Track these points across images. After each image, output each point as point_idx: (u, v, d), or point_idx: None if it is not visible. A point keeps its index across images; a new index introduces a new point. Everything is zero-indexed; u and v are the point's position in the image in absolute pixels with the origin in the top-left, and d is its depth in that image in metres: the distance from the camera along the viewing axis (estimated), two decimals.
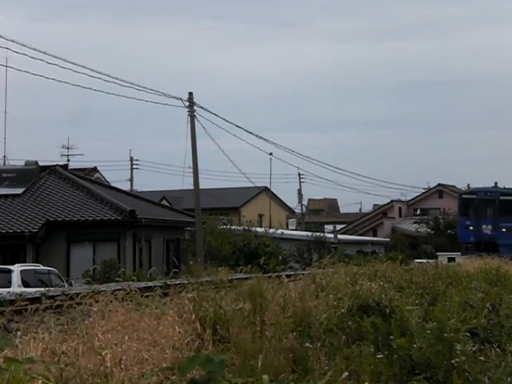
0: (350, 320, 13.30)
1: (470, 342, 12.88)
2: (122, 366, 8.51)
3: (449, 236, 64.78)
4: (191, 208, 44.67)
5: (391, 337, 12.74)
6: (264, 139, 50.00)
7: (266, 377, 5.71)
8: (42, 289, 19.67)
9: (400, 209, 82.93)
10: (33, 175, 42.14)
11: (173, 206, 54.99)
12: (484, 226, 50.93)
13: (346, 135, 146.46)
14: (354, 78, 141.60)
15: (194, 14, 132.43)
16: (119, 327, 9.88)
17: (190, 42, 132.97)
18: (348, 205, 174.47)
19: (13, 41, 31.19)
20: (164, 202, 58.70)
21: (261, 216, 72.60)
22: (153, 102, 42.54)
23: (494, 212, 51.01)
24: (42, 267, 29.88)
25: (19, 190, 40.71)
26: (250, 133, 48.04)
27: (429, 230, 70.82)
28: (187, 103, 41.58)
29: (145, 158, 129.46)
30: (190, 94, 41.98)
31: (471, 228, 51.25)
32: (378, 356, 11.91)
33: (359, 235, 75.59)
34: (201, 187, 44.63)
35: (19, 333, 9.37)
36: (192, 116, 41.66)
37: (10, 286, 25.41)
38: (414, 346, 12.49)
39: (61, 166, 45.23)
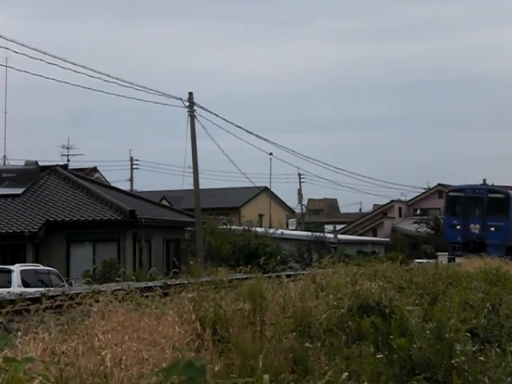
0: (350, 320, 13.30)
1: (469, 342, 12.88)
2: (122, 366, 8.51)
3: None
4: (191, 208, 44.67)
5: (391, 337, 12.74)
6: (264, 139, 50.07)
7: (266, 377, 5.72)
8: (42, 289, 19.66)
9: (400, 209, 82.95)
10: (33, 175, 42.14)
11: (173, 205, 55.00)
12: (472, 225, 48.75)
13: (346, 135, 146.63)
14: (354, 78, 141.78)
15: (193, 14, 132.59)
16: (119, 327, 9.87)
17: (190, 42, 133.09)
18: (348, 205, 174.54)
19: (13, 41, 31.24)
20: (164, 202, 58.70)
21: (261, 216, 72.60)
22: (153, 102, 42.58)
23: (482, 210, 48.90)
24: (42, 267, 29.88)
25: (19, 190, 40.72)
26: (250, 133, 48.11)
27: (429, 230, 70.80)
28: (187, 103, 41.58)
29: (145, 158, 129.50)
30: (190, 93, 42.00)
31: (458, 227, 49.15)
32: (378, 356, 11.91)
33: (359, 235, 75.60)
34: (201, 187, 44.65)
35: (19, 333, 9.37)
36: (192, 116, 41.66)
37: (10, 286, 25.41)
38: (414, 346, 12.49)
39: (61, 166, 45.24)
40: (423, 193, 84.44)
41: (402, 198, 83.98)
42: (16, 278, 26.91)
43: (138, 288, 12.75)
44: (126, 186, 67.80)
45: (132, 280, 19.01)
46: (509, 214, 48.60)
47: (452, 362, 11.87)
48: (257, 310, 11.51)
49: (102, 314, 10.36)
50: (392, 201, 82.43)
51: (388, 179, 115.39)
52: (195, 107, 41.73)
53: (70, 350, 8.69)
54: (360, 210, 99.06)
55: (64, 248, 38.28)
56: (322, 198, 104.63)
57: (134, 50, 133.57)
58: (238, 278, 15.09)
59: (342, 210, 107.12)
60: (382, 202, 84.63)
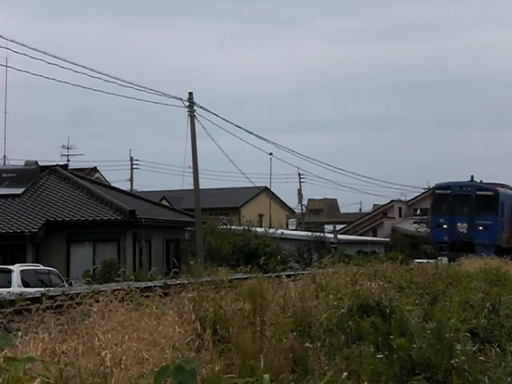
0: (350, 320, 13.31)
1: (469, 341, 12.88)
2: (122, 365, 8.51)
3: None
4: (191, 208, 44.67)
5: (391, 337, 12.74)
6: (264, 139, 49.99)
7: (266, 377, 5.71)
8: (42, 289, 19.66)
9: (400, 209, 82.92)
10: (33, 175, 42.14)
11: (173, 206, 54.99)
12: (459, 224, 46.20)
13: (346, 135, 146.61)
14: (354, 78, 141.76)
15: (193, 14, 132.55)
16: (119, 327, 9.88)
17: (190, 42, 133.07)
18: (348, 205, 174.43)
19: (13, 41, 31.21)
20: (164, 202, 58.70)
21: (261, 216, 72.60)
22: (153, 102, 42.47)
23: (470, 209, 46.31)
24: (41, 267, 29.88)
25: (19, 190, 40.71)
26: (250, 133, 48.01)
27: (429, 230, 70.75)
28: (187, 103, 41.57)
29: (145, 158, 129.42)
30: (190, 93, 42.00)
31: (445, 226, 46.51)
32: (378, 356, 11.92)
33: (359, 235, 75.59)
34: (201, 187, 44.64)
35: (19, 333, 9.37)
36: (192, 116, 41.66)
37: (9, 286, 25.41)
38: (414, 345, 12.50)
39: (61, 166, 45.23)
40: (423, 193, 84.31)
41: (402, 198, 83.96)
42: (16, 278, 26.92)
43: (137, 288, 12.75)
44: (126, 186, 67.82)
45: (132, 280, 19.00)
46: (498, 213, 46.61)
47: (452, 361, 11.88)
48: (257, 310, 11.51)
49: (101, 314, 10.36)
50: (392, 201, 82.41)
51: (388, 179, 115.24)
52: (195, 107, 41.74)
53: (70, 350, 8.69)
54: (360, 209, 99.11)
55: (64, 248, 38.27)
56: (322, 198, 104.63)
57: (134, 50, 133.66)
58: (238, 278, 15.10)
59: (342, 210, 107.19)
60: (382, 202, 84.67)
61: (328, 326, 12.61)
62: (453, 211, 46.43)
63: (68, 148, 68.62)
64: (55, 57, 32.87)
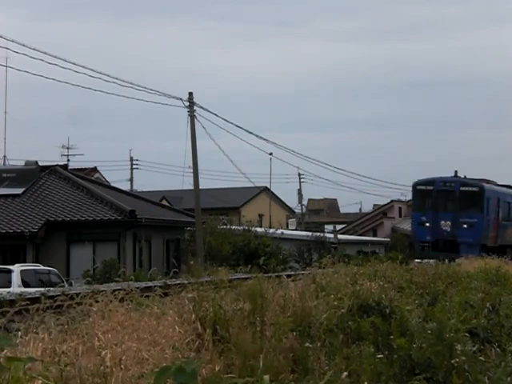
0: (350, 320, 13.31)
1: (469, 342, 12.89)
2: (122, 365, 8.51)
3: None
4: (191, 208, 44.67)
5: (391, 337, 12.75)
6: (264, 139, 49.96)
7: (266, 377, 5.70)
8: (42, 289, 19.66)
9: (400, 209, 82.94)
10: (33, 175, 42.15)
11: (173, 206, 55.01)
12: (442, 222, 43.35)
13: (346, 135, 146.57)
14: (354, 78, 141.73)
15: (194, 14, 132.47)
16: (119, 327, 9.88)
17: (190, 42, 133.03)
18: (348, 205, 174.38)
19: (13, 41, 31.19)
20: (164, 202, 58.71)
21: (261, 216, 72.62)
22: (153, 102, 42.43)
23: (453, 205, 43.43)
24: (42, 267, 29.88)
25: (19, 190, 40.72)
26: (250, 133, 47.98)
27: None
28: (187, 103, 41.58)
29: (145, 158, 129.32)
30: (190, 93, 42.00)
31: (427, 224, 43.63)
32: (378, 356, 11.92)
33: (359, 235, 75.61)
34: (201, 187, 44.64)
35: (19, 333, 9.37)
36: (192, 116, 41.66)
37: (10, 286, 25.41)
38: (414, 346, 12.50)
39: (61, 166, 45.24)
40: None
41: (402, 198, 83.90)
42: (16, 277, 26.92)
43: (137, 288, 12.75)
44: (126, 186, 67.80)
45: (132, 280, 18.99)
46: (483, 210, 44.07)
47: (452, 362, 11.88)
48: (257, 310, 11.51)
49: (101, 314, 10.36)
50: (392, 201, 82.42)
51: (388, 179, 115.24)
52: (195, 107, 41.74)
53: (70, 350, 8.69)
54: (360, 209, 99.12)
55: (64, 248, 38.28)
56: (322, 198, 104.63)
57: (134, 50, 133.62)
58: (238, 278, 15.10)
59: (342, 210, 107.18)
60: (382, 202, 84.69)
61: (328, 326, 12.61)
62: (435, 208, 43.79)
63: (68, 148, 68.65)
64: (55, 57, 32.89)
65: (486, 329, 15.15)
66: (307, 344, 11.37)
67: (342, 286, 15.42)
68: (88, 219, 38.56)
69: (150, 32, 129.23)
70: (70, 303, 11.41)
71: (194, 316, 10.95)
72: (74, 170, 50.13)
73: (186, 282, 14.34)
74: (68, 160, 65.02)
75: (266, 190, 75.48)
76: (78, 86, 37.66)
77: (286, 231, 58.91)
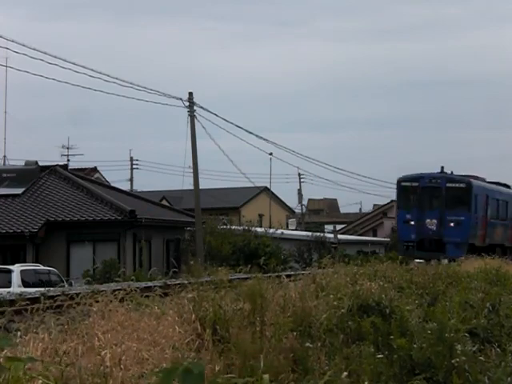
0: (350, 320, 13.31)
1: (469, 342, 12.89)
2: (122, 365, 8.51)
3: None
4: (191, 208, 44.68)
5: (391, 337, 12.74)
6: (264, 139, 49.95)
7: (266, 377, 5.71)
8: (42, 289, 19.66)
9: None
10: (33, 175, 42.15)
11: (173, 206, 55.02)
12: (428, 221, 40.93)
13: (346, 135, 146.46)
14: (354, 78, 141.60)
15: (194, 14, 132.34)
16: (119, 327, 9.88)
17: (190, 42, 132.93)
18: (348, 205, 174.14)
19: (13, 41, 31.22)
20: (164, 202, 58.72)
21: (261, 216, 72.64)
22: (153, 102, 42.38)
23: (439, 203, 41.04)
24: (41, 267, 29.89)
25: (19, 190, 40.72)
26: (250, 133, 47.96)
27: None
28: (187, 103, 41.58)
29: (145, 158, 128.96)
30: (190, 94, 42.00)
31: (412, 223, 41.08)
32: (378, 356, 11.92)
33: (359, 235, 75.63)
34: (201, 187, 44.65)
35: (19, 333, 9.37)
36: (192, 116, 41.67)
37: (10, 286, 25.41)
38: (414, 346, 12.50)
39: (61, 166, 45.24)
40: None
41: None
42: (16, 278, 26.92)
43: (137, 288, 12.75)
44: (126, 186, 67.77)
45: (132, 280, 18.99)
46: (471, 207, 41.69)
47: (452, 362, 11.88)
48: (257, 310, 11.51)
49: (101, 314, 10.37)
50: (392, 201, 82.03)
51: (388, 179, 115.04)
52: (195, 107, 41.75)
53: (70, 350, 8.69)
54: (360, 209, 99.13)
55: (64, 248, 38.28)
56: (322, 198, 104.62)
57: (134, 50, 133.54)
58: (238, 278, 15.10)
59: (342, 210, 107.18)
60: (382, 202, 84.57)
61: (328, 326, 12.61)
62: (421, 206, 41.37)
63: (68, 148, 68.62)
64: (55, 57, 32.91)
65: (486, 329, 15.15)
66: (307, 344, 11.37)
67: (342, 286, 15.42)
68: (88, 219, 38.57)
69: (150, 32, 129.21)
70: (69, 303, 11.41)
71: (193, 316, 10.96)
72: (74, 169, 50.12)
73: (185, 282, 14.34)
74: (68, 160, 65.03)
75: (266, 189, 75.49)
76: (78, 86, 37.74)
77: (285, 231, 58.93)
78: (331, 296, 14.31)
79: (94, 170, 61.56)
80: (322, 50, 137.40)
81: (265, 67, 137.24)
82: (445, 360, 12.05)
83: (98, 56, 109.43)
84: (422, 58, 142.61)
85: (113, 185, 53.52)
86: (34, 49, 31.78)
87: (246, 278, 14.26)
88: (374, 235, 77.66)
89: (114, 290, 11.97)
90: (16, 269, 27.47)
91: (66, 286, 22.98)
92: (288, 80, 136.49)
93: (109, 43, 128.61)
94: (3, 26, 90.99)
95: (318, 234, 56.98)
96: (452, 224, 40.64)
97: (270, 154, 58.13)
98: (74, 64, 33.80)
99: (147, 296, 12.26)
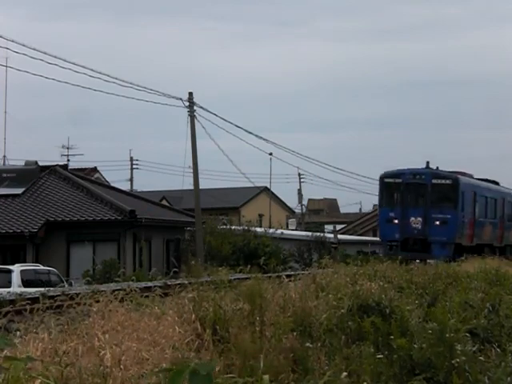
0: (350, 320, 13.31)
1: (469, 342, 12.89)
2: (122, 366, 8.51)
3: None
4: (191, 208, 44.68)
5: (391, 337, 12.74)
6: (264, 139, 49.94)
7: (266, 377, 5.71)
8: (42, 289, 19.65)
9: None
10: (33, 175, 42.15)
11: (173, 206, 55.02)
12: (412, 219, 38.51)
13: (346, 135, 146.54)
14: (354, 78, 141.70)
15: (194, 14, 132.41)
16: (119, 327, 9.88)
17: (190, 42, 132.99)
18: (348, 205, 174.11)
19: (13, 41, 31.18)
20: (164, 202, 58.73)
21: (261, 216, 72.65)
22: (153, 102, 42.35)
23: (424, 200, 38.73)
24: (41, 267, 29.88)
25: (19, 190, 40.72)
26: (250, 133, 47.95)
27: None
28: (187, 103, 41.58)
29: (145, 158, 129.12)
30: (190, 93, 42.00)
31: (396, 221, 38.75)
32: (378, 356, 11.92)
33: (359, 235, 75.61)
34: (201, 187, 44.65)
35: (19, 333, 9.37)
36: (192, 116, 41.67)
37: (10, 286, 25.41)
38: (415, 346, 12.49)
39: (61, 166, 45.25)
40: None
41: None
42: (16, 278, 26.93)
43: (137, 288, 12.75)
44: (125, 186, 67.79)
45: (132, 280, 18.98)
46: (457, 205, 39.33)
47: (452, 362, 11.88)
48: (256, 310, 11.51)
49: (101, 314, 10.37)
50: None
51: None
52: (195, 107, 41.75)
53: (69, 350, 8.69)
54: (360, 209, 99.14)
55: (64, 248, 38.29)
56: (322, 198, 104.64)
57: (134, 50, 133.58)
58: (237, 278, 15.10)
59: (342, 210, 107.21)
60: None
61: (328, 326, 12.61)
62: (405, 203, 39.01)
63: (68, 148, 68.64)
64: (55, 57, 32.88)
65: (486, 329, 15.15)
66: (307, 344, 11.37)
67: (342, 286, 15.42)
68: (88, 219, 38.57)
69: (150, 32, 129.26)
70: (69, 303, 11.42)
71: (193, 316, 10.96)
72: (74, 169, 50.12)
73: (185, 282, 14.34)
74: (68, 160, 65.05)
75: (266, 189, 75.50)
76: (78, 86, 37.67)
77: (285, 231, 58.93)
78: (331, 296, 14.31)
79: (94, 170, 61.56)
80: (321, 50, 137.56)
81: (265, 67, 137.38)
82: (445, 360, 12.05)
83: (97, 56, 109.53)
84: (422, 58, 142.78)
85: (113, 185, 53.54)
86: (34, 49, 31.78)
87: (246, 278, 14.26)
88: (374, 235, 77.55)
89: (114, 290, 11.97)
90: (16, 269, 27.47)
91: (66, 286, 22.98)
92: (288, 80, 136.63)
93: (109, 43, 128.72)
94: (3, 26, 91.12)
95: (318, 234, 56.97)
96: (438, 223, 38.41)
97: (270, 154, 58.17)
98: (73, 64, 33.81)
99: (147, 296, 12.26)
